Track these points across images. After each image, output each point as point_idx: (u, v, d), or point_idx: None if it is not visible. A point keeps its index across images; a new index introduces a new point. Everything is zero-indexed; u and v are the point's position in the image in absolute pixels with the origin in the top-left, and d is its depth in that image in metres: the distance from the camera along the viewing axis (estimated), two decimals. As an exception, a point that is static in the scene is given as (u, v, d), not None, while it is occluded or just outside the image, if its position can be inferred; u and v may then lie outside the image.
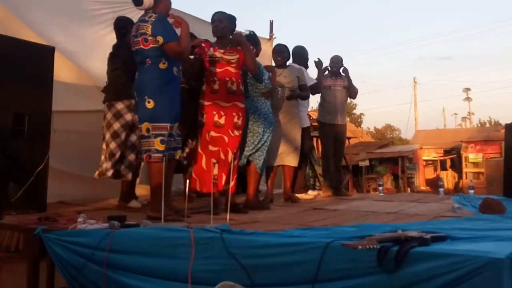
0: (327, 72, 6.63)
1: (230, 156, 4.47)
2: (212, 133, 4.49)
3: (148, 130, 3.97)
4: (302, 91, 5.82)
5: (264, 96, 4.93)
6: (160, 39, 3.92)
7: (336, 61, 6.73)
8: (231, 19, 4.75)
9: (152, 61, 3.97)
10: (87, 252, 3.13)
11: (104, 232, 3.15)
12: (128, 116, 4.68)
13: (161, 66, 3.98)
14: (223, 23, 4.64)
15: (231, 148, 4.49)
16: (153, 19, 3.96)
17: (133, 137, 4.72)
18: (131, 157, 4.73)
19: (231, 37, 4.73)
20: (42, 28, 5.14)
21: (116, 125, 4.71)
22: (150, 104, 3.94)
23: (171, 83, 4.02)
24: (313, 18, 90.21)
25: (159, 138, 3.95)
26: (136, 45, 4.03)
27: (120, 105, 4.71)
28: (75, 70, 5.51)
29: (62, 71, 5.12)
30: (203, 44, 4.59)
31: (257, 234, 2.91)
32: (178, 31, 4.08)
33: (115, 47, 4.92)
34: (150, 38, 3.93)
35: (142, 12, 4.09)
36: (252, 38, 4.97)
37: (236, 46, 4.62)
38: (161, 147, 3.95)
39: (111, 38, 5.15)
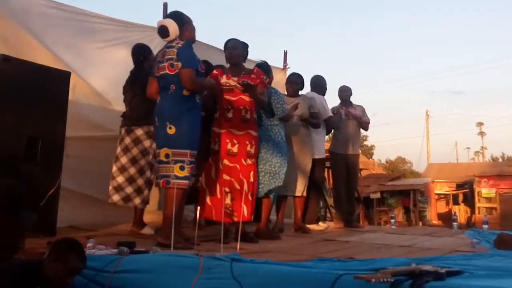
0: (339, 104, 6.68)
1: (246, 185, 4.42)
2: (226, 162, 4.46)
3: (167, 156, 3.97)
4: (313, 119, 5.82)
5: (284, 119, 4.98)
6: (180, 64, 3.95)
7: (344, 90, 6.75)
8: (245, 46, 4.78)
9: (176, 87, 3.99)
10: (90, 274, 3.08)
11: (112, 258, 3.12)
12: (147, 143, 4.70)
13: (185, 92, 4.00)
14: (238, 50, 4.66)
15: (245, 176, 4.45)
16: (180, 45, 4.01)
17: (143, 161, 4.73)
18: (140, 181, 4.73)
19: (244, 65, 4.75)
20: (59, 51, 5.19)
21: (135, 151, 4.73)
22: (171, 130, 3.94)
23: (193, 110, 4.04)
24: (326, 49, 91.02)
25: (178, 165, 3.94)
26: (162, 70, 4.06)
27: (139, 131, 4.73)
28: (89, 94, 5.53)
29: (76, 95, 5.14)
30: (215, 71, 4.60)
31: (268, 264, 2.86)
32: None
33: (133, 73, 4.96)
34: (176, 63, 3.97)
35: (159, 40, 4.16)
36: (264, 67, 5.00)
37: (250, 74, 4.63)
38: (181, 174, 3.94)
39: (126, 62, 5.20)
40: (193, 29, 4.22)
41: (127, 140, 4.77)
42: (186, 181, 3.96)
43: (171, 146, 3.96)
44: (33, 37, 5.02)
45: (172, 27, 4.05)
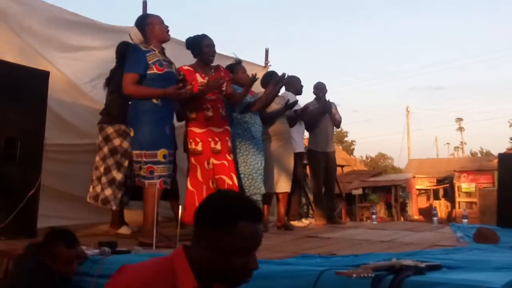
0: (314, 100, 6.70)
1: (235, 179, 4.47)
2: (213, 161, 4.46)
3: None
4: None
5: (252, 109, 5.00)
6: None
7: (322, 87, 6.73)
8: None
9: None
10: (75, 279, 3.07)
11: (94, 259, 3.10)
12: (117, 141, 4.66)
13: None
14: (214, 47, 4.66)
15: (233, 171, 4.50)
16: None
17: (110, 160, 4.69)
18: (103, 179, 4.67)
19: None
20: (40, 51, 5.12)
21: (106, 149, 4.70)
22: (131, 133, 4.10)
23: (149, 111, 4.02)
24: (308, 47, 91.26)
25: (138, 165, 4.07)
26: None
27: (110, 129, 4.69)
28: (69, 95, 5.46)
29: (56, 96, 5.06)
30: (189, 67, 4.55)
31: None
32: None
33: (112, 71, 4.92)
34: None
35: None
36: (233, 66, 5.07)
37: (219, 71, 4.65)
38: (142, 174, 4.03)
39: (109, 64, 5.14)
40: (158, 29, 4.16)
41: (99, 139, 4.76)
42: (145, 181, 3.99)
43: (133, 148, 4.15)
44: (12, 36, 4.95)
45: (133, 34, 4.17)
